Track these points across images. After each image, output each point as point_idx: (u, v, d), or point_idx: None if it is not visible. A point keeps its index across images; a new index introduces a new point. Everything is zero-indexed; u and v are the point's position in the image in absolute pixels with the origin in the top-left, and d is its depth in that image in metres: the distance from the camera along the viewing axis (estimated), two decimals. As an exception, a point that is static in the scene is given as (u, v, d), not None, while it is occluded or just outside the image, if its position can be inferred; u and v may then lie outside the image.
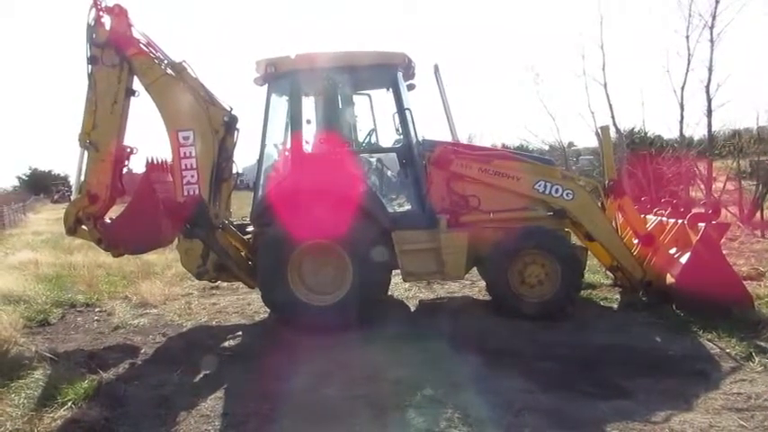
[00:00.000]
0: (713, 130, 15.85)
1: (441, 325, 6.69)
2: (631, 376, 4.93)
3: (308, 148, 7.26)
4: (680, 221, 6.92)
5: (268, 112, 7.22)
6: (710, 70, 14.79)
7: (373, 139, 8.00)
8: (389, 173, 7.70)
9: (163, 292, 9.07)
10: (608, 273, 8.13)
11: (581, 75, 17.49)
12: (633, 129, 20.76)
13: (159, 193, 7.44)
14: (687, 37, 15.15)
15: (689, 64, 15.12)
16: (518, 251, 6.71)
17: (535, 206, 7.11)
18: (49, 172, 68.73)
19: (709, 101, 14.92)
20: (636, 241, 7.48)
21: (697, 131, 16.91)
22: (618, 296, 7.57)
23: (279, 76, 7.07)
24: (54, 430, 4.38)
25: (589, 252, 7.46)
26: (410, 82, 7.87)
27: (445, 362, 5.45)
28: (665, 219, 7.37)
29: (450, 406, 4.46)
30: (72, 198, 7.80)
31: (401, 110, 7.05)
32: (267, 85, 7.20)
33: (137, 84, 7.43)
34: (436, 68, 7.69)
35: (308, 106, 7.70)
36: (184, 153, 7.19)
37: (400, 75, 7.28)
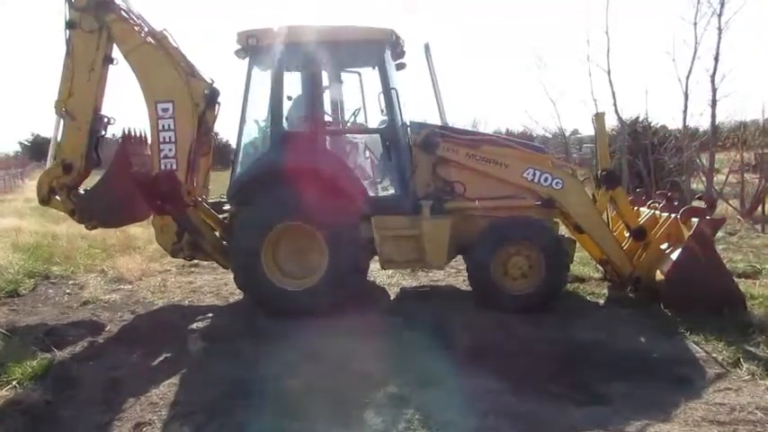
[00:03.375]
0: (718, 121, 15.42)
1: (419, 315, 6.42)
2: (609, 379, 4.65)
3: (287, 125, 6.96)
4: (673, 215, 6.62)
5: (249, 86, 6.89)
6: (717, 59, 14.27)
7: (360, 119, 7.69)
8: (373, 155, 7.40)
9: (140, 268, 8.85)
10: (598, 266, 7.85)
11: (585, 60, 17.00)
12: (638, 118, 20.34)
13: (135, 166, 7.17)
14: (695, 24, 14.62)
15: (695, 52, 14.61)
16: (501, 241, 6.43)
17: (523, 195, 6.81)
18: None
19: (714, 91, 14.44)
20: (628, 234, 7.18)
21: (701, 122, 16.51)
22: (606, 291, 7.29)
23: (260, 49, 6.72)
24: (-7, 411, 4.17)
25: (579, 244, 7.20)
26: (400, 61, 7.55)
27: (417, 356, 5.16)
28: (658, 212, 7.06)
29: (414, 405, 4.20)
30: (46, 167, 7.55)
31: (386, 89, 6.71)
32: (248, 58, 6.87)
33: (116, 52, 7.16)
34: (427, 47, 7.33)
35: (295, 82, 7.39)
36: (163, 126, 6.97)
37: (388, 53, 6.93)
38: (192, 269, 9.05)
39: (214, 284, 8.09)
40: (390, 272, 8.19)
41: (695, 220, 6.29)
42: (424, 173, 6.80)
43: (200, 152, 7.23)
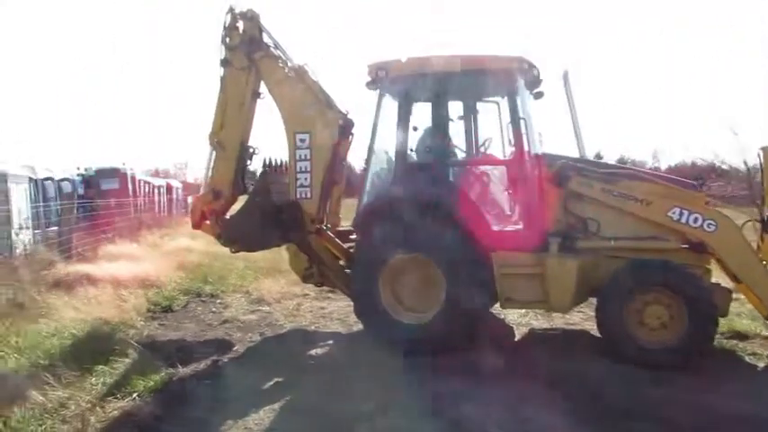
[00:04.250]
0: None
1: (538, 360, 5.98)
2: (750, 461, 3.93)
3: (416, 156, 6.93)
4: None
5: (378, 117, 6.96)
6: None
7: (494, 150, 7.44)
8: (499, 187, 7.09)
9: (280, 291, 9.26)
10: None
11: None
12: None
13: (274, 194, 7.54)
14: None
15: None
16: (636, 287, 5.78)
17: (667, 236, 6.09)
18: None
19: None
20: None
21: None
22: (772, 353, 6.24)
23: (389, 81, 6.80)
24: (108, 420, 4.51)
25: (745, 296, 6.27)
26: (537, 90, 7.22)
27: (523, 405, 4.78)
28: (841, 264, 5.93)
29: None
30: (200, 193, 8.21)
31: (515, 119, 6.42)
32: (378, 89, 6.97)
33: (262, 86, 7.61)
34: (565, 75, 6.91)
35: (426, 113, 7.35)
36: (300, 156, 7.23)
37: (521, 81, 6.64)
38: (329, 295, 9.23)
39: (343, 311, 8.19)
40: (523, 311, 7.75)
41: None
42: (554, 208, 6.35)
43: (332, 181, 7.44)
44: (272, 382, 5.49)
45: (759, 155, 6.49)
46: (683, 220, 5.99)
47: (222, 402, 4.94)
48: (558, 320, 7.70)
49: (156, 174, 39.68)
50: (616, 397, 5.00)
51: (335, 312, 8.23)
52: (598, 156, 39.32)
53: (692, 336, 5.59)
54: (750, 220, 6.34)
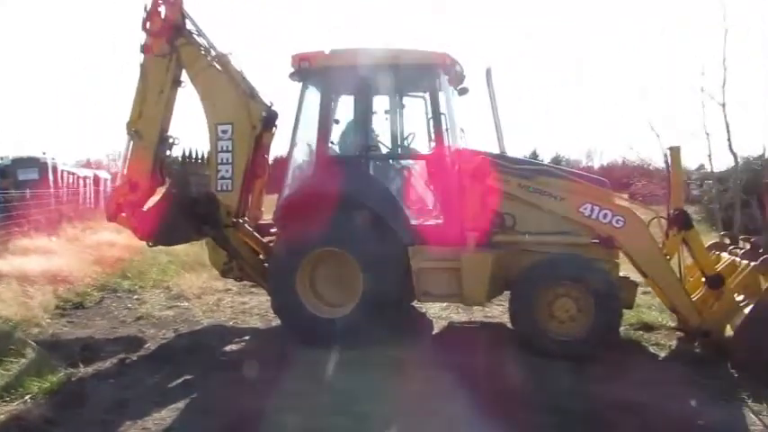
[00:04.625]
0: None
1: (452, 353, 6.02)
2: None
3: (334, 149, 6.87)
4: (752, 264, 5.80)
5: (301, 109, 6.86)
6: None
7: (414, 145, 7.45)
8: (419, 182, 7.12)
9: (200, 286, 9.02)
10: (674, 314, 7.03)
11: (698, 92, 15.40)
12: (763, 154, 18.30)
13: (194, 186, 7.33)
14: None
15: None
16: (547, 280, 5.91)
17: (579, 231, 6.25)
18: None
19: None
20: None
21: None
22: (674, 343, 6.48)
23: (312, 72, 6.71)
24: (-7, 425, 4.26)
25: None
26: (462, 86, 7.28)
27: (429, 399, 4.79)
28: (738, 258, 6.24)
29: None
30: (116, 185, 7.89)
31: (435, 115, 6.46)
32: (301, 80, 6.87)
33: (184, 75, 7.37)
34: (488, 72, 7.00)
35: (349, 106, 7.28)
36: (221, 147, 7.05)
37: (443, 78, 6.66)
38: (252, 290, 9.02)
39: (264, 306, 8.01)
40: (444, 304, 7.82)
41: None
42: (472, 203, 6.41)
43: (254, 174, 7.28)
44: (179, 381, 5.30)
45: (666, 154, 6.75)
46: (594, 215, 6.16)
47: (123, 402, 4.72)
48: (478, 314, 7.79)
49: (89, 164, 38.05)
50: (522, 389, 5.08)
51: (256, 308, 8.08)
52: (534, 154, 40.49)
53: (598, 328, 5.77)
54: (656, 217, 6.58)
